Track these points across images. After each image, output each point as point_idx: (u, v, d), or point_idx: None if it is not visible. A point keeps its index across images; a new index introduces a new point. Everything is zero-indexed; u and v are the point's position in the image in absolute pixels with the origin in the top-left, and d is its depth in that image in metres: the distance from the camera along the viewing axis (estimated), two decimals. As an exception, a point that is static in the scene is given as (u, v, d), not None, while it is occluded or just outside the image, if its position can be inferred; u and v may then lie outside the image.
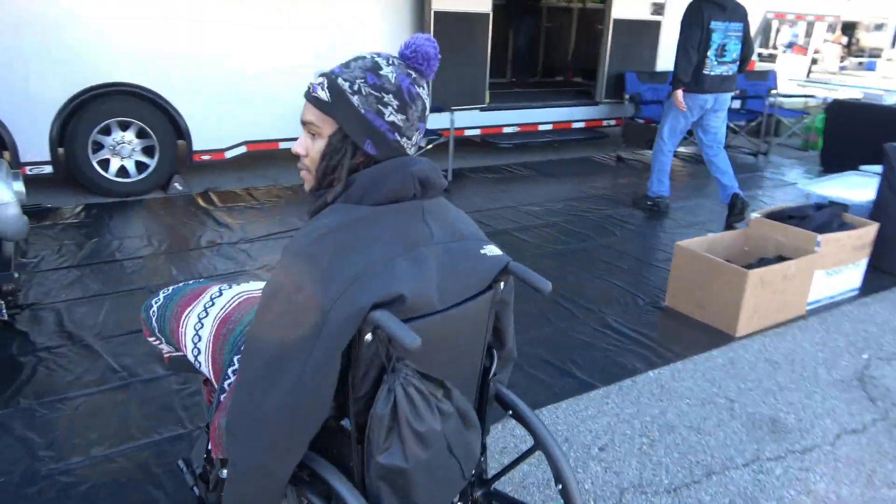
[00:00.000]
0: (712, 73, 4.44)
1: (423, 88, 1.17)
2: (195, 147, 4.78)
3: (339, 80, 1.13)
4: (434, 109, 5.43)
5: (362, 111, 1.11)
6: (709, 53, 4.40)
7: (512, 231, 4.33)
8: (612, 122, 7.00)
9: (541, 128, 6.53)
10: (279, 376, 1.03)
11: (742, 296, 2.95)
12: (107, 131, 4.50)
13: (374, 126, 1.12)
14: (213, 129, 4.82)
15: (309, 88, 1.17)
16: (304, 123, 1.18)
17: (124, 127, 4.54)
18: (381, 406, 1.04)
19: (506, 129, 6.27)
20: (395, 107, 1.12)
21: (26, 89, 4.14)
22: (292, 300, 1.03)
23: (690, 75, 4.44)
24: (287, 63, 4.89)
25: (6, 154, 4.18)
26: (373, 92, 1.11)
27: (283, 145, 5.14)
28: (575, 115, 6.75)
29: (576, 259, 3.90)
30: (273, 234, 4.04)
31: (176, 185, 4.79)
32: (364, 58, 1.16)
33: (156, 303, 1.55)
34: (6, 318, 2.56)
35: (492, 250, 1.22)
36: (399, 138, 1.14)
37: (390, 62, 1.14)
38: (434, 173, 1.17)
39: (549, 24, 8.68)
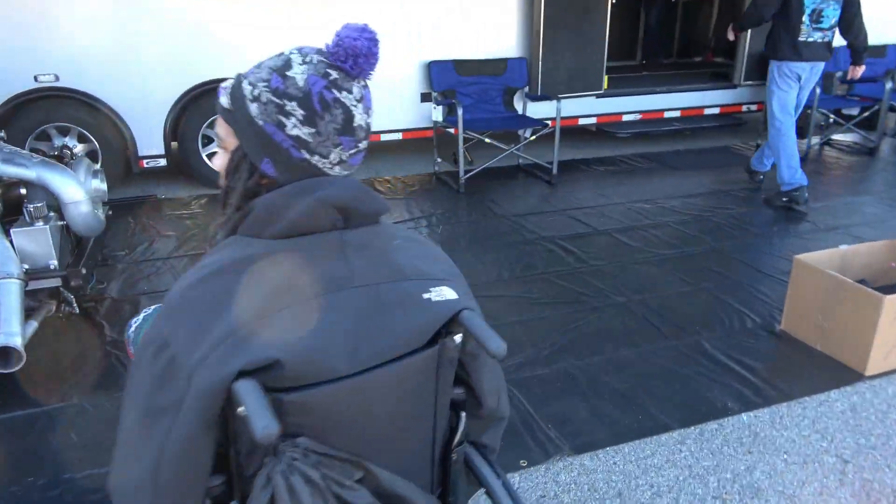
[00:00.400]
0: (809, 40, 4.11)
1: (350, 93, 0.93)
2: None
3: (244, 84, 0.94)
4: (541, 98, 5.10)
5: (260, 122, 0.91)
6: (803, 19, 4.05)
7: (613, 232, 3.93)
8: (754, 108, 6.21)
9: (667, 115, 5.94)
10: (142, 448, 0.87)
11: (875, 326, 2.39)
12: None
13: (274, 141, 0.91)
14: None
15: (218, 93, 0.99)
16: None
17: (232, 121, 4.69)
18: (256, 500, 0.84)
19: (625, 117, 5.77)
20: (300, 117, 0.90)
21: (144, 87, 4.38)
22: (159, 357, 0.86)
23: (748, 29, 4.60)
24: (387, 54, 4.78)
25: (132, 150, 4.47)
26: (273, 98, 0.90)
27: (384, 137, 5.07)
28: (708, 99, 6.06)
29: (680, 267, 3.43)
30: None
31: (280, 177, 4.88)
32: (282, 54, 0.95)
33: (135, 322, 1.46)
34: (77, 311, 2.68)
35: (441, 293, 0.96)
36: (308, 156, 0.92)
37: (307, 60, 0.92)
38: (360, 196, 0.93)
39: (687, -2, 7.91)
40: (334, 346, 0.86)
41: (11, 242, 2.46)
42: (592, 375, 2.45)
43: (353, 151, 0.96)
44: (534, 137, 5.07)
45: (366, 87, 0.97)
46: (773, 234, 3.95)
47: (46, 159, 2.58)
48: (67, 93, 4.23)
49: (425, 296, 0.95)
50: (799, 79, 4.22)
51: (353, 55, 0.92)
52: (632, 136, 5.82)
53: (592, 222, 4.09)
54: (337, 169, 0.95)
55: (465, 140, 4.77)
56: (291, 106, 0.90)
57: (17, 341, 2.23)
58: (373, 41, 0.94)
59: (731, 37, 4.68)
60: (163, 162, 4.60)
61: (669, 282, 3.26)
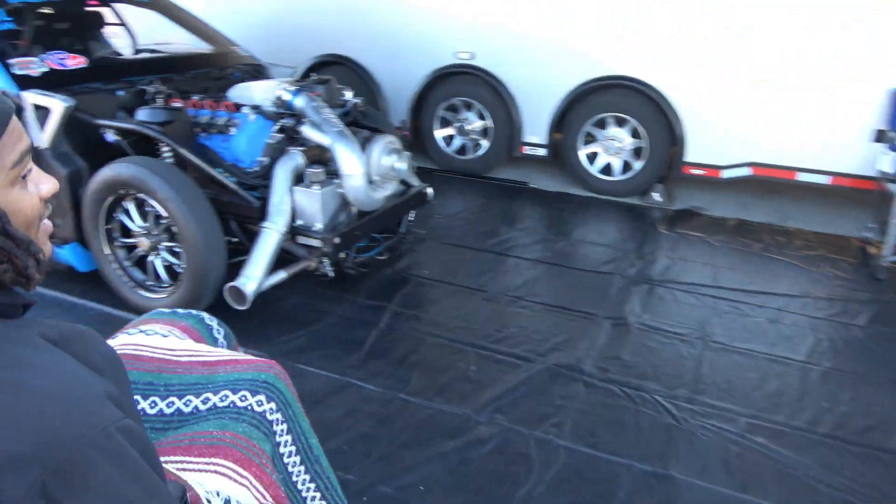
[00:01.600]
0: None
1: None
2: (687, 158, 4.12)
3: None
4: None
5: None
6: None
7: None
8: None
9: None
10: None
11: None
12: (602, 125, 4.33)
13: None
14: (714, 141, 4.02)
15: None
16: None
17: (620, 123, 4.28)
18: None
19: None
20: None
21: (540, 76, 4.33)
22: None
23: None
24: (821, 75, 3.58)
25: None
26: None
27: (801, 177, 3.90)
28: None
29: None
30: (721, 288, 3.11)
31: (655, 194, 4.27)
32: None
33: None
34: (331, 274, 2.82)
35: None
36: None
37: None
38: None
39: None
40: None
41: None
42: None
43: None
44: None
45: None
46: None
47: (344, 130, 2.75)
48: (477, 71, 4.49)
49: None
50: None
51: None
52: None
53: None
54: None
55: (913, 208, 3.28)
56: None
57: (247, 284, 2.50)
58: None
59: None
60: (542, 151, 4.52)
61: None
